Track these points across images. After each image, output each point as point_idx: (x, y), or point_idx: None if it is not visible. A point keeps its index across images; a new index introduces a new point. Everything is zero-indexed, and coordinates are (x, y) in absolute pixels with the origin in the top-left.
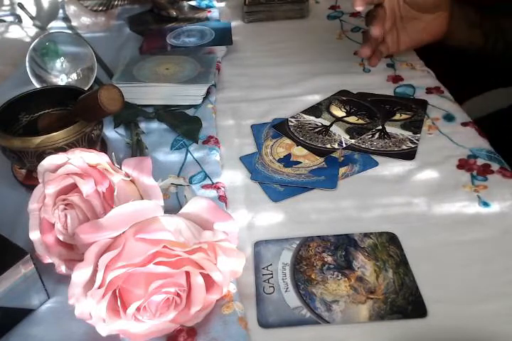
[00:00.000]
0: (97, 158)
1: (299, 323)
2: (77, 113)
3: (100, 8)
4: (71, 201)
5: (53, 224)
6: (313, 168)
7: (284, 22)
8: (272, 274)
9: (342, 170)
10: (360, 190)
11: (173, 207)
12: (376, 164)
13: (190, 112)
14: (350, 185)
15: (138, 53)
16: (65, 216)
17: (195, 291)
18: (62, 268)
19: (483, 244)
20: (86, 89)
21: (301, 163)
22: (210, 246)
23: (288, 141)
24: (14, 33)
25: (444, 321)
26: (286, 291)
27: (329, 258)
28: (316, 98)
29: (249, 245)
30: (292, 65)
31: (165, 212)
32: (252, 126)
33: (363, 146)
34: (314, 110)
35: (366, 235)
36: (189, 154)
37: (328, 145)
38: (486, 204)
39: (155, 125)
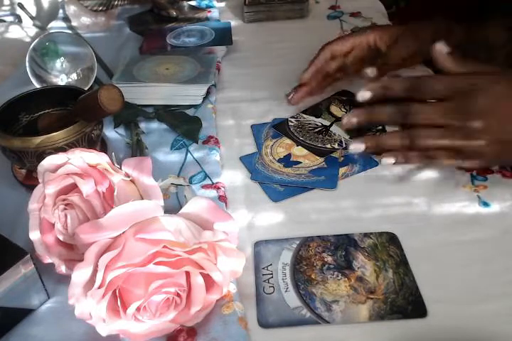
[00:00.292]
0: (97, 158)
1: (299, 323)
2: (77, 113)
3: (100, 8)
4: (71, 201)
5: (53, 224)
6: (313, 168)
7: (284, 22)
8: (272, 274)
9: (342, 170)
10: (360, 190)
11: (173, 207)
12: (376, 164)
13: (190, 112)
14: (350, 185)
15: (138, 53)
16: (65, 216)
17: (195, 291)
18: (62, 268)
19: (483, 244)
20: (86, 89)
21: (301, 163)
22: (210, 246)
23: (288, 141)
24: (14, 33)
25: (444, 321)
26: (286, 291)
27: (329, 258)
28: (315, 98)
29: (249, 245)
30: (292, 64)
31: (165, 212)
32: (252, 126)
33: None
34: (314, 110)
35: (366, 235)
36: (189, 154)
37: (328, 145)
38: (486, 204)
39: (155, 125)
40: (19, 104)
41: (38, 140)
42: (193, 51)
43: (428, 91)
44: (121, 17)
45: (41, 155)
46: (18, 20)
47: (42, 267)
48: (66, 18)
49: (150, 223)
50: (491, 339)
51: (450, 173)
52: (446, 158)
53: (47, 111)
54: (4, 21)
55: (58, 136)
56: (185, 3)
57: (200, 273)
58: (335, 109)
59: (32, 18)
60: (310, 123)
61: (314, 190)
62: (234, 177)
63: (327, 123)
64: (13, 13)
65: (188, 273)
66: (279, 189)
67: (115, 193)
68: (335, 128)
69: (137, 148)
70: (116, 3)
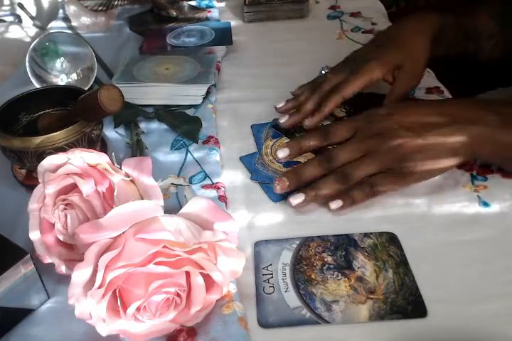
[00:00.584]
0: (97, 158)
1: (299, 323)
2: (77, 113)
3: (100, 8)
4: (71, 201)
5: (53, 224)
6: None
7: (284, 22)
8: (272, 274)
9: None
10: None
11: (173, 207)
12: None
13: (190, 112)
14: None
15: (138, 53)
16: (65, 216)
17: (195, 291)
18: (62, 268)
19: (483, 244)
20: (86, 89)
21: (300, 163)
22: (210, 246)
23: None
24: (14, 33)
25: (444, 321)
26: (286, 291)
27: (329, 258)
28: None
29: (249, 245)
30: (292, 64)
31: (165, 212)
32: (252, 126)
33: None
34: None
35: (366, 235)
36: (189, 154)
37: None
38: (486, 204)
39: (155, 125)
40: (19, 104)
41: (38, 140)
42: (193, 51)
43: (336, 136)
44: (121, 17)
45: (41, 155)
46: (18, 20)
47: (42, 267)
48: (66, 18)
49: (150, 223)
50: (491, 339)
51: (450, 173)
52: (387, 183)
53: (47, 111)
54: (4, 21)
55: (58, 136)
56: (185, 3)
57: (200, 273)
58: (335, 110)
59: (32, 18)
60: None
61: None
62: (234, 177)
63: (327, 123)
64: (13, 13)
65: (188, 273)
66: None
67: (115, 193)
68: None
69: (137, 148)
70: (116, 3)
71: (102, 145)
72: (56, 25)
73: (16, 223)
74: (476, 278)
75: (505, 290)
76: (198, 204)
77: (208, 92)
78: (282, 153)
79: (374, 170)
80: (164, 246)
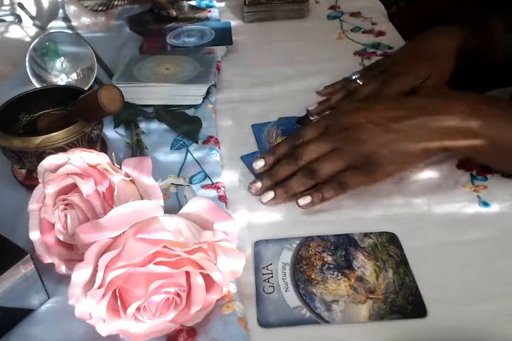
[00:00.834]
0: (97, 158)
1: (299, 323)
2: (77, 113)
3: (100, 8)
4: (71, 201)
5: (53, 224)
6: None
7: (284, 22)
8: (271, 274)
9: None
10: (360, 190)
11: (173, 207)
12: None
13: (190, 112)
14: None
15: (138, 53)
16: (65, 216)
17: (195, 291)
18: (62, 268)
19: (483, 244)
20: (86, 89)
21: None
22: (210, 246)
23: None
24: (14, 33)
25: (444, 321)
26: (286, 291)
27: (329, 258)
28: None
29: (249, 245)
30: (292, 64)
31: (165, 212)
32: (252, 126)
33: None
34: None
35: (366, 235)
36: (189, 154)
37: None
38: (485, 204)
39: (155, 125)
40: (19, 104)
41: (38, 140)
42: (193, 51)
43: (307, 136)
44: (121, 17)
45: (41, 155)
46: (18, 20)
47: (42, 267)
48: (66, 18)
49: (150, 223)
50: (491, 339)
51: (450, 173)
52: (355, 179)
53: (47, 111)
54: (4, 21)
55: (58, 136)
56: (185, 3)
57: (200, 273)
58: None
59: (32, 18)
60: None
61: None
62: (234, 177)
63: None
64: (13, 13)
65: (188, 273)
66: None
67: (115, 193)
68: None
69: (137, 148)
70: (116, 3)
71: (102, 145)
72: (56, 25)
73: (16, 223)
74: (476, 278)
75: (505, 290)
76: (198, 204)
77: (208, 92)
78: (258, 165)
79: (341, 166)
80: (164, 246)
